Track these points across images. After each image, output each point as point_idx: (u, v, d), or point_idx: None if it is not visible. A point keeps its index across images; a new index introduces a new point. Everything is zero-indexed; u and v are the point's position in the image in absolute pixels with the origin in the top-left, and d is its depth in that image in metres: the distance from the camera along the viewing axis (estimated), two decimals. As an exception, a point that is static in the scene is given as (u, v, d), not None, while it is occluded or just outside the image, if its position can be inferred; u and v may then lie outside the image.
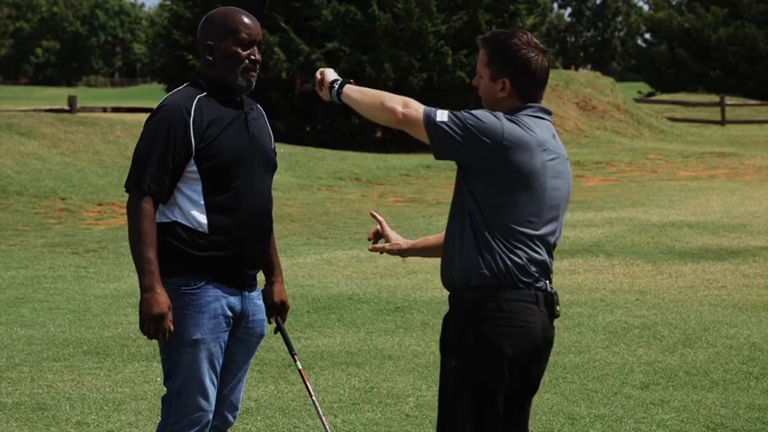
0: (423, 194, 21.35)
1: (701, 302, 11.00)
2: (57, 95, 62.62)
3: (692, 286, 11.87)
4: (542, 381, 4.62)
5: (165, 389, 4.92)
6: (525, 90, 4.46)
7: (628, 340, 9.37)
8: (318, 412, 5.32)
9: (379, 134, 31.18)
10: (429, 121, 4.35)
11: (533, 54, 4.45)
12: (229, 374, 5.02)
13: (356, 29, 29.88)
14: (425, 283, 11.87)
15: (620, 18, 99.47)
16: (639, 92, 53.35)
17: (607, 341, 9.24)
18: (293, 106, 29.92)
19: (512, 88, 4.44)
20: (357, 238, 15.68)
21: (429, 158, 25.69)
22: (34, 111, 26.59)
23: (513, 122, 4.36)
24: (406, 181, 23.13)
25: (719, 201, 20.09)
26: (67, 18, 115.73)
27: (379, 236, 4.94)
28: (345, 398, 7.69)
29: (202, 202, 4.82)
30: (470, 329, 4.37)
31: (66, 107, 27.88)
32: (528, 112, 4.44)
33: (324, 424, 5.34)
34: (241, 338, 4.99)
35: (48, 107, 29.97)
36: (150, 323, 4.74)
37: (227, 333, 4.91)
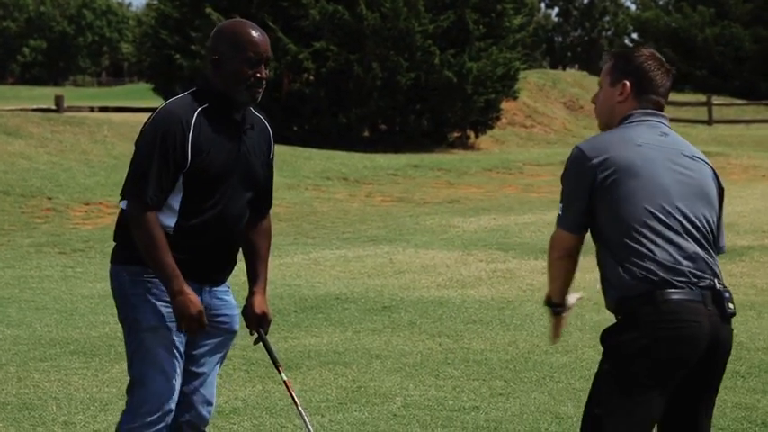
0: (410, 194, 21.33)
1: (688, 302, 11.00)
2: (44, 95, 62.38)
3: (679, 285, 11.87)
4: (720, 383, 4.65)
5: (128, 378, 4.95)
6: (642, 95, 4.49)
7: (615, 339, 9.36)
8: (305, 421, 5.28)
9: (366, 134, 31.16)
10: (560, 221, 4.53)
11: (655, 63, 4.53)
12: (197, 366, 5.02)
13: (344, 28, 29.86)
14: (413, 283, 11.86)
15: (607, 18, 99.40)
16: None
17: (594, 340, 9.22)
18: (280, 106, 29.90)
19: (630, 91, 4.49)
20: (344, 238, 15.67)
21: (416, 158, 25.67)
22: (21, 110, 26.52)
23: (588, 140, 4.46)
24: (393, 180, 23.10)
25: (706, 200, 20.09)
26: (54, 17, 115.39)
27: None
28: (332, 397, 7.69)
29: (177, 208, 4.84)
30: (627, 333, 4.36)
31: (53, 107, 27.83)
32: (625, 122, 4.47)
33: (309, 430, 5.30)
34: (207, 332, 4.95)
35: (35, 107, 29.89)
36: (191, 322, 4.78)
37: None
